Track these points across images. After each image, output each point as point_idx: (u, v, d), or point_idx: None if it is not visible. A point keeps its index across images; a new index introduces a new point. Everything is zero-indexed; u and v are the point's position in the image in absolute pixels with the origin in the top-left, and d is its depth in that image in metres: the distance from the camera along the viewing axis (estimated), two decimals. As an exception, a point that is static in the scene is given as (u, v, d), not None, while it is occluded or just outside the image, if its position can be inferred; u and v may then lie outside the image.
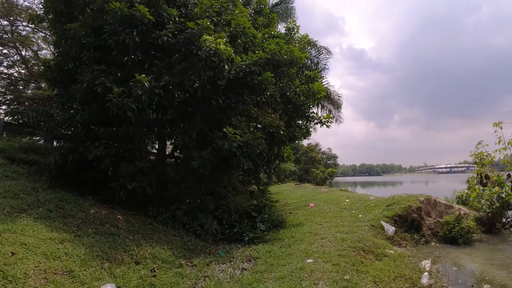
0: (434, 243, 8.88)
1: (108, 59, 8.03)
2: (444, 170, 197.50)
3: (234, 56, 8.23)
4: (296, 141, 11.06)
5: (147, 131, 9.70)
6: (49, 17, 9.17)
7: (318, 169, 35.82)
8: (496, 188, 9.85)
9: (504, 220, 9.84)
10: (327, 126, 11.21)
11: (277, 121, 9.68)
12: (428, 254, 7.92)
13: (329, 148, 72.83)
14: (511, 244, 8.87)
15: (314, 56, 16.81)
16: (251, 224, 8.63)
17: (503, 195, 9.49)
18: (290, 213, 12.48)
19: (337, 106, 17.51)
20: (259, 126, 9.62)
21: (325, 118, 10.96)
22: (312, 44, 16.39)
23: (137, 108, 7.05)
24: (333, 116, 17.65)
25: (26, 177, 7.57)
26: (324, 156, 70.93)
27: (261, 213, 9.16)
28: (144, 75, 7.34)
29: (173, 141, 10.09)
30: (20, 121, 10.59)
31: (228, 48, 7.63)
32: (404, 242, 8.32)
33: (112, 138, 8.42)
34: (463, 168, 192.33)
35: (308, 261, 6.00)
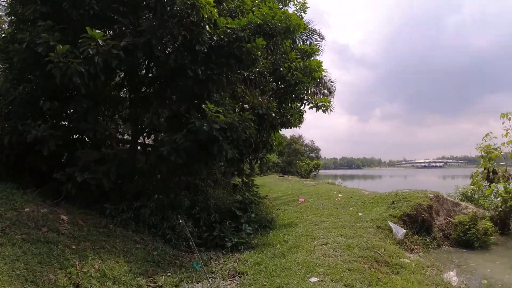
0: (447, 246, 7.65)
1: (58, 15, 6.24)
2: (423, 165, 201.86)
3: (217, 17, 6.59)
4: (289, 127, 9.53)
5: (110, 109, 7.94)
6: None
7: (302, 161, 34.59)
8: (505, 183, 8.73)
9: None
10: (324, 111, 9.75)
11: (268, 102, 8.13)
12: (447, 261, 6.65)
13: (312, 140, 71.91)
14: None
15: (306, 36, 15.24)
16: (235, 226, 7.07)
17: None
18: (278, 209, 11.04)
19: (330, 92, 16.11)
20: (247, 106, 8.03)
21: (322, 102, 9.49)
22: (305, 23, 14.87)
23: (87, 73, 5.32)
24: (331, 100, 16.31)
25: None
26: (307, 148, 70.11)
27: (247, 212, 7.61)
28: (99, 31, 5.58)
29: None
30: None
31: (210, 0, 5.96)
32: (416, 247, 7.03)
33: (59, 115, 6.65)
34: (441, 164, 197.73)
35: (311, 280, 4.53)
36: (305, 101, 9.46)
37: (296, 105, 9.56)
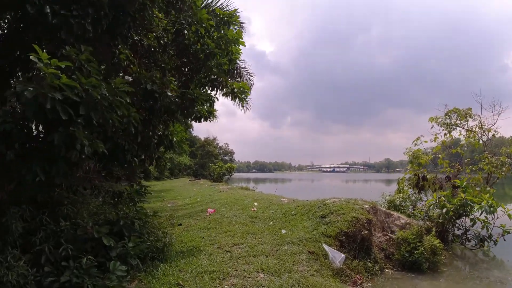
0: (390, 270, 6.22)
1: None
2: (328, 169, 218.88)
3: None
4: (196, 119, 7.12)
5: None
6: None
7: (215, 164, 32.39)
8: (446, 192, 7.85)
9: (456, 231, 7.92)
10: (241, 100, 7.76)
11: (162, 77, 5.68)
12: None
13: (226, 143, 70.47)
14: (483, 267, 6.86)
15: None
16: (100, 263, 4.43)
17: (456, 201, 7.46)
18: (180, 224, 8.56)
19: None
20: (129, 78, 5.40)
21: (239, 88, 7.43)
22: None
23: None
24: (250, 87, 14.21)
25: None
26: (221, 151, 68.38)
27: (123, 239, 4.99)
28: None
29: None
30: None
31: None
32: (359, 276, 5.35)
33: None
34: (344, 169, 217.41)
35: None
36: (217, 85, 7.26)
37: (206, 90, 7.27)
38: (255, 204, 10.46)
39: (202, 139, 64.06)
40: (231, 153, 71.27)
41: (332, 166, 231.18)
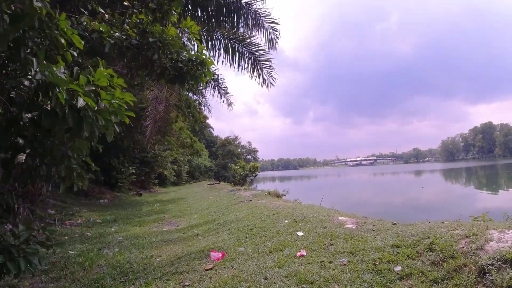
0: None
1: None
2: (355, 163, 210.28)
3: None
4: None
5: None
6: None
7: (237, 164, 27.87)
8: None
9: None
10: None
11: None
12: None
13: (248, 141, 66.17)
14: None
15: None
16: None
17: None
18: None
19: (271, 41, 9.40)
20: None
21: None
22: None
23: None
24: (274, 40, 9.27)
25: None
26: (244, 150, 64.12)
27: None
28: None
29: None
30: None
31: None
32: None
33: None
34: (371, 161, 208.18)
35: None
36: None
37: None
38: (299, 234, 5.75)
39: (223, 138, 60.01)
40: (254, 151, 66.91)
41: (358, 159, 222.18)
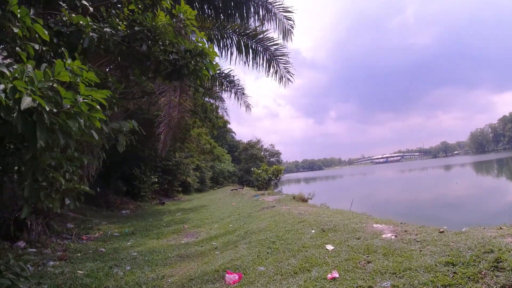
0: None
1: None
2: (381, 160, 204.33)
3: None
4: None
5: None
6: None
7: (259, 167, 27.15)
8: None
9: None
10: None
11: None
12: None
13: (271, 144, 65.35)
14: None
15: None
16: None
17: None
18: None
19: (285, 32, 8.63)
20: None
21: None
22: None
23: None
24: (289, 30, 8.42)
25: None
26: (267, 153, 63.39)
27: None
28: None
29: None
30: None
31: None
32: None
33: None
34: (398, 157, 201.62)
35: None
36: None
37: None
38: (329, 248, 4.94)
39: (245, 142, 59.57)
40: (278, 154, 66.03)
41: (384, 156, 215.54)
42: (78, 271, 6.24)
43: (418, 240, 4.45)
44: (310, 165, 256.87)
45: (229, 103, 45.27)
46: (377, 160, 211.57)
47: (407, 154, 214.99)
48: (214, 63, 3.98)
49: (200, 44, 3.62)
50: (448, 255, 3.55)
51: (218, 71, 12.05)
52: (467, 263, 3.30)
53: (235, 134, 63.50)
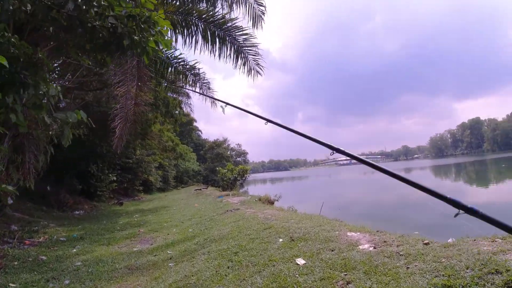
0: None
1: None
2: (345, 162, 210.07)
3: None
4: None
5: None
6: None
7: (225, 167, 26.29)
8: None
9: None
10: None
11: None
12: None
13: (238, 144, 64.55)
14: None
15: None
16: None
17: None
18: None
19: (255, 18, 7.96)
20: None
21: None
22: None
23: None
24: (260, 17, 7.79)
25: None
26: (234, 152, 62.55)
27: None
28: None
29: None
30: None
31: None
32: None
33: None
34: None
35: None
36: None
37: None
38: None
39: (211, 141, 58.27)
40: (244, 153, 65.36)
41: (348, 158, 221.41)
42: (10, 284, 5.20)
43: (401, 253, 3.90)
44: (277, 166, 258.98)
45: (195, 100, 43.85)
46: (341, 162, 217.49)
47: (370, 156, 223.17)
48: (167, 37, 3.17)
49: (143, 9, 2.82)
50: (443, 275, 3.00)
51: (182, 62, 11.08)
52: (469, 286, 2.75)
53: (201, 133, 62.01)
